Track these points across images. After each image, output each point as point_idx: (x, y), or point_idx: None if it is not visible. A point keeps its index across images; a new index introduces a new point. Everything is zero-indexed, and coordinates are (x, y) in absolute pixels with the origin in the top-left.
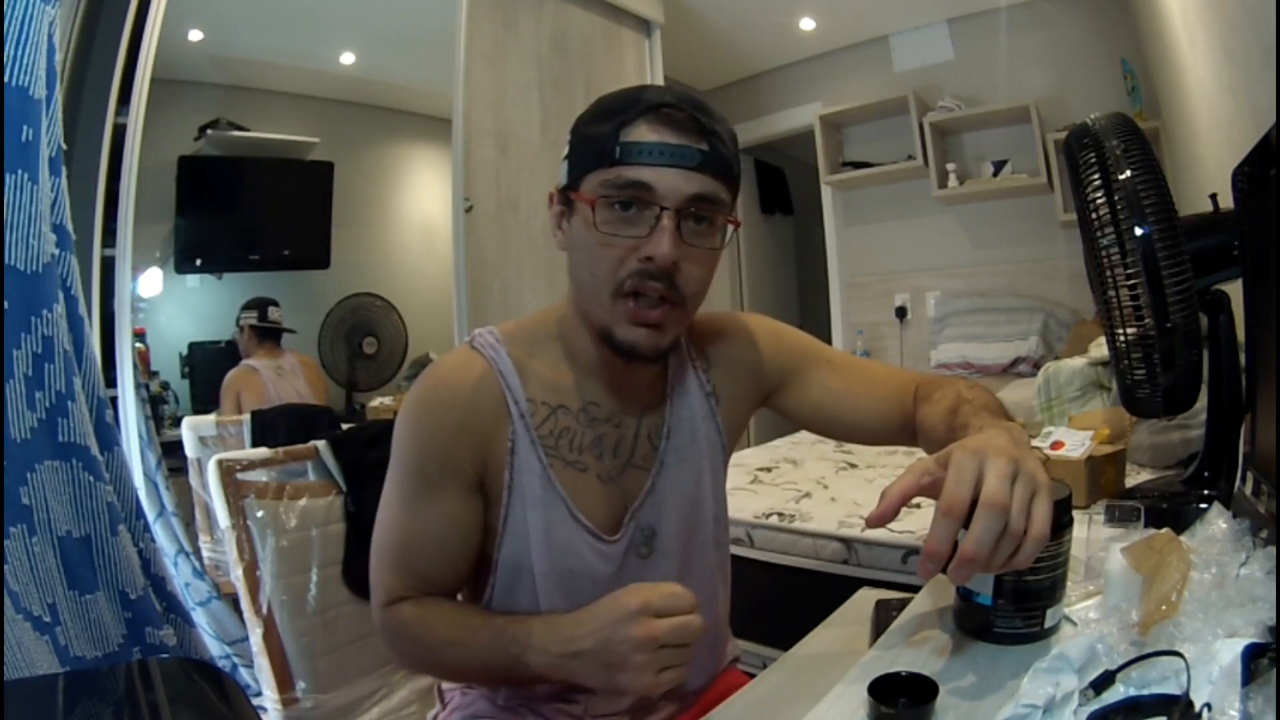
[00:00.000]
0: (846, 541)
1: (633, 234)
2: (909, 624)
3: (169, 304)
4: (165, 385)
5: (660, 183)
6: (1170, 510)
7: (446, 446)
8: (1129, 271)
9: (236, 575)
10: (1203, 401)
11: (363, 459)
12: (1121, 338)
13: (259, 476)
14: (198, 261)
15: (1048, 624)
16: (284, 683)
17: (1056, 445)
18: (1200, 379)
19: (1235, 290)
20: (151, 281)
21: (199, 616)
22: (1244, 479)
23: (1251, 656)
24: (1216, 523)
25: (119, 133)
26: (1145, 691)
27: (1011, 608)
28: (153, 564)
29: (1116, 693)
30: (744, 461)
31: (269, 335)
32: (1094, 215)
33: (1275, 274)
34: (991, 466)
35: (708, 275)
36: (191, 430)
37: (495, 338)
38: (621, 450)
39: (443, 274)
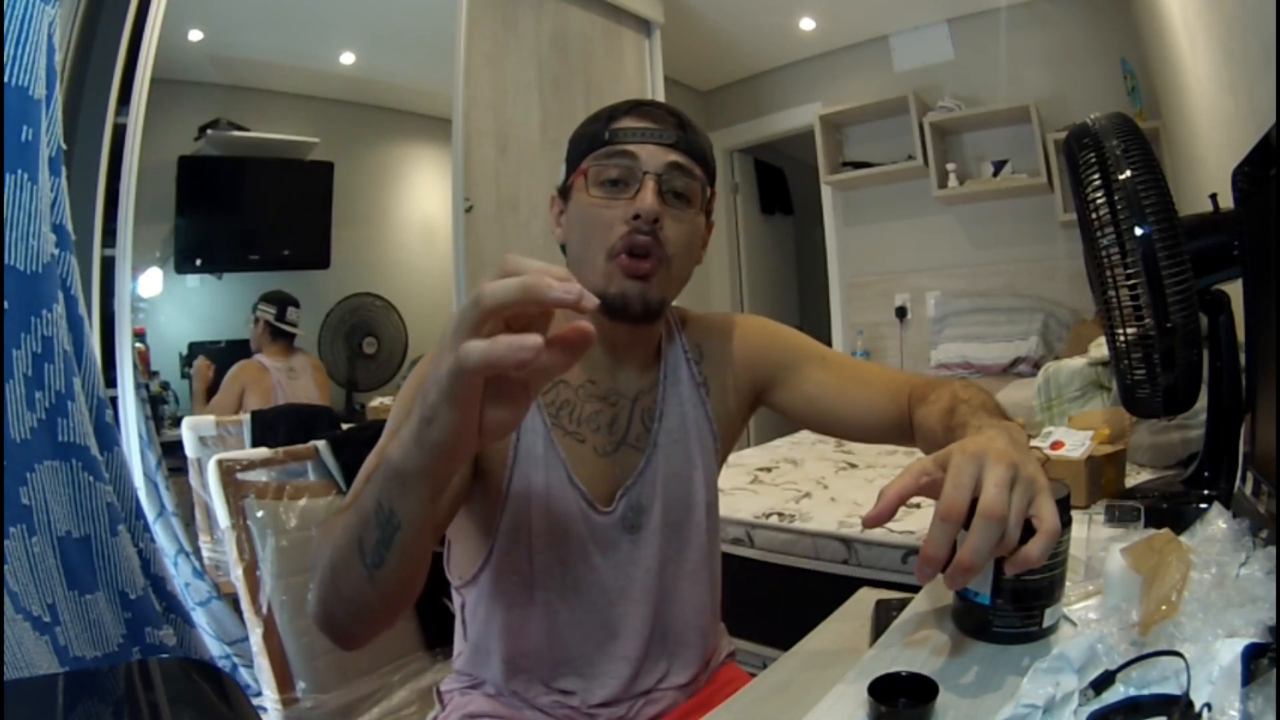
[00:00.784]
0: (846, 541)
1: (621, 196)
2: (909, 624)
3: (169, 304)
4: (165, 385)
5: (643, 153)
6: (1170, 510)
7: None
8: (1129, 271)
9: (236, 575)
10: (1203, 401)
11: (362, 459)
12: (1121, 338)
13: (259, 476)
14: (198, 261)
15: (1046, 623)
16: (284, 683)
17: (1056, 445)
18: (1200, 379)
19: (1235, 290)
20: (151, 281)
21: (199, 616)
22: (1244, 479)
23: (1251, 656)
24: (1216, 523)
25: (119, 133)
26: (1145, 691)
27: (1010, 607)
28: (153, 564)
29: (1116, 693)
30: (744, 461)
31: (282, 335)
32: (1094, 215)
33: (1275, 274)
34: (990, 473)
35: (689, 238)
36: (191, 430)
37: None
38: (617, 427)
39: (443, 274)
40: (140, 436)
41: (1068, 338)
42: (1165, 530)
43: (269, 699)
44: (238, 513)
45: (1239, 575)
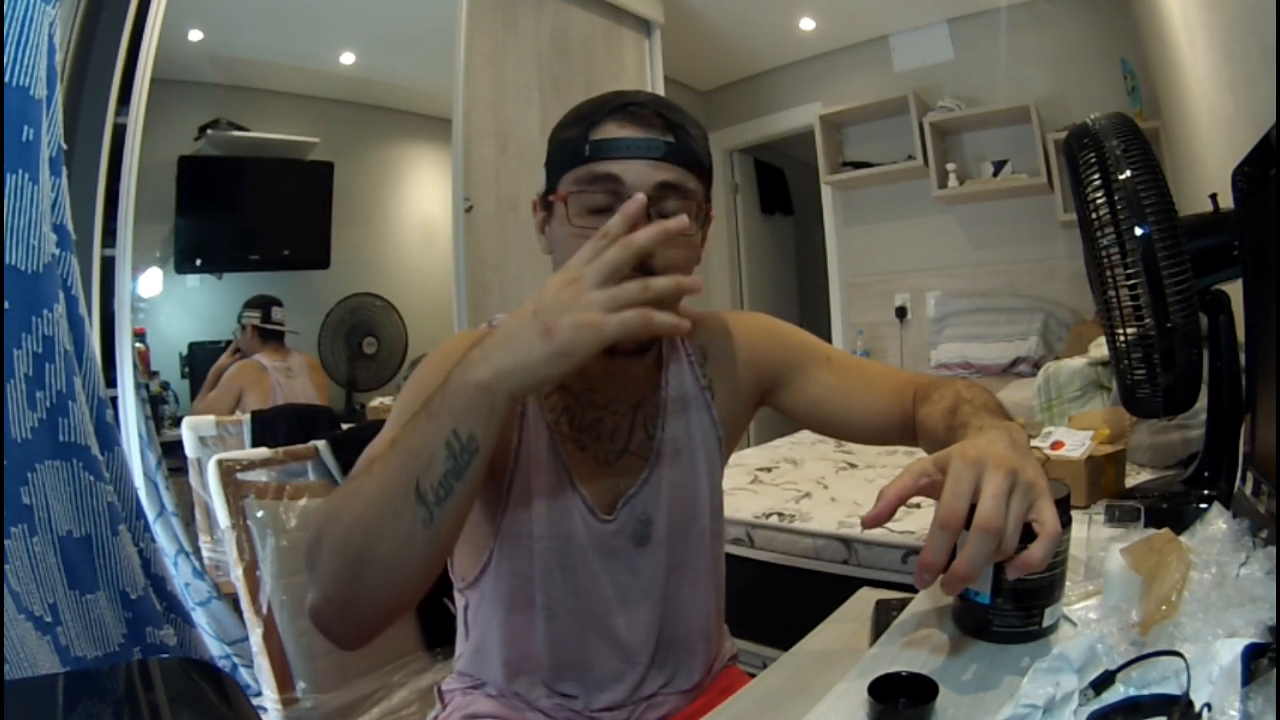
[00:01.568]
0: (846, 541)
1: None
2: (909, 624)
3: (169, 304)
4: (165, 385)
5: (628, 174)
6: (1170, 510)
7: None
8: (1129, 271)
9: (236, 575)
10: (1203, 401)
11: None
12: (1121, 338)
13: (259, 476)
14: (198, 261)
15: (1046, 623)
16: (284, 683)
17: (1056, 445)
18: (1200, 379)
19: (1235, 290)
20: (151, 281)
21: (199, 616)
22: (1244, 479)
23: (1251, 656)
24: (1216, 523)
25: (119, 133)
26: (1145, 691)
27: (1010, 607)
28: (153, 564)
29: (1116, 693)
30: (744, 461)
31: (273, 335)
32: (1094, 215)
33: (1275, 274)
34: (989, 481)
35: (684, 258)
36: (191, 430)
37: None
38: (618, 436)
39: (443, 274)
40: (140, 436)
41: (1068, 338)
42: (1165, 530)
43: (269, 699)
44: (238, 513)
45: (1239, 575)
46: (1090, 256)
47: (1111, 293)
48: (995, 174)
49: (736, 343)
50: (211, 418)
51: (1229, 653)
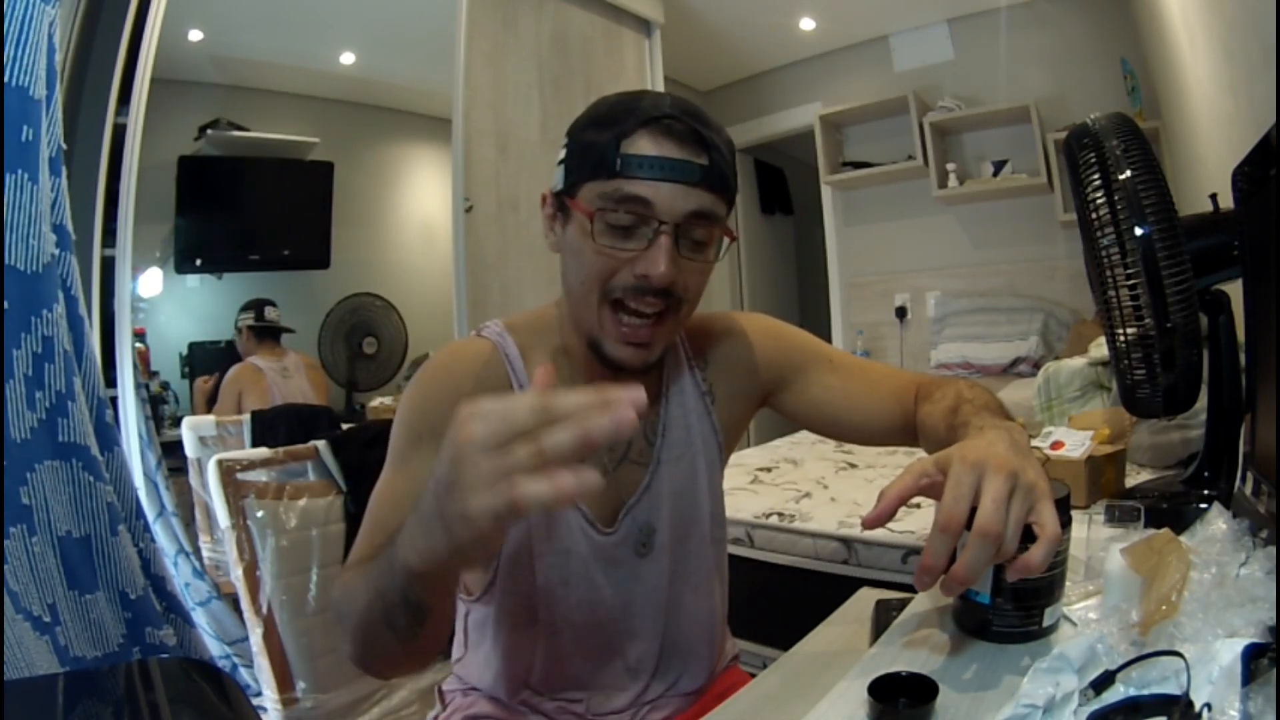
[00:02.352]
0: (846, 541)
1: (629, 248)
2: (909, 624)
3: (169, 304)
4: (165, 385)
5: (659, 198)
6: (1170, 510)
7: (442, 410)
8: (1129, 271)
9: (236, 575)
10: (1203, 401)
11: (363, 459)
12: (1121, 338)
13: (259, 476)
14: (198, 261)
15: (1046, 622)
16: (284, 683)
17: (1056, 445)
18: (1200, 379)
19: (1235, 290)
20: (151, 281)
21: (199, 616)
22: (1244, 479)
23: (1251, 656)
24: (1216, 523)
25: (119, 133)
26: (1145, 691)
27: (1010, 606)
28: (153, 564)
29: (1116, 693)
30: (744, 461)
31: (268, 335)
32: (1094, 215)
33: (1275, 274)
34: (989, 485)
35: (702, 283)
36: (191, 430)
37: (500, 327)
38: (618, 445)
39: (443, 274)
40: (140, 436)
41: (1068, 338)
42: (1165, 530)
43: (269, 699)
44: (238, 513)
45: (1239, 575)
46: (1090, 256)
47: (1111, 293)
48: (995, 174)
49: (737, 346)
50: (211, 418)
51: (1229, 653)
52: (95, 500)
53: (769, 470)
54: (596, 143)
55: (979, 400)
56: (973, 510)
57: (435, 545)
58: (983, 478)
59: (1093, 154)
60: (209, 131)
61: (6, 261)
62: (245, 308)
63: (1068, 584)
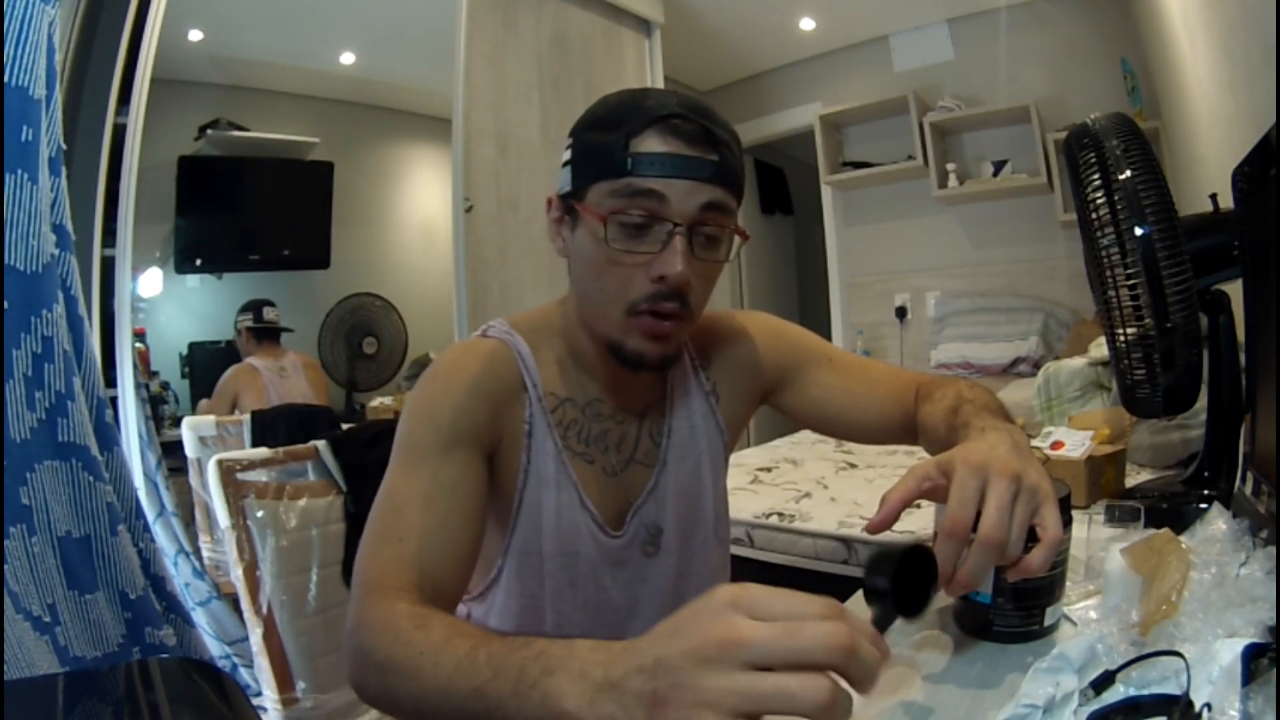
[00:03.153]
0: (846, 541)
1: (644, 250)
2: (909, 624)
3: (169, 304)
4: (165, 385)
5: (671, 193)
6: (1170, 510)
7: (462, 404)
8: (1129, 271)
9: (236, 575)
10: (1203, 401)
11: (363, 459)
12: (1121, 338)
13: (259, 476)
14: (198, 261)
15: (1047, 622)
16: (284, 683)
17: (1056, 445)
18: (1200, 379)
19: (1235, 290)
20: (151, 281)
21: (199, 616)
22: (1244, 479)
23: (1251, 656)
24: (1216, 523)
25: (119, 133)
26: (1145, 691)
27: (1010, 606)
28: (153, 564)
29: (1116, 693)
30: (744, 461)
31: (267, 335)
32: (1094, 215)
33: (1275, 274)
34: (993, 490)
35: (714, 281)
36: (191, 430)
37: (507, 325)
38: (625, 446)
39: (443, 274)
40: (140, 436)
41: (1068, 338)
42: (1165, 530)
43: (269, 699)
44: (238, 513)
45: (1239, 575)
46: (1090, 256)
47: (1111, 293)
48: (995, 174)
49: (740, 345)
50: (211, 418)
51: (1229, 653)
52: (95, 500)
53: (769, 470)
54: (604, 142)
55: (979, 400)
56: (978, 514)
57: (616, 712)
58: (987, 482)
59: (1093, 154)
60: (209, 131)
61: (6, 261)
62: (244, 309)
63: (1068, 584)
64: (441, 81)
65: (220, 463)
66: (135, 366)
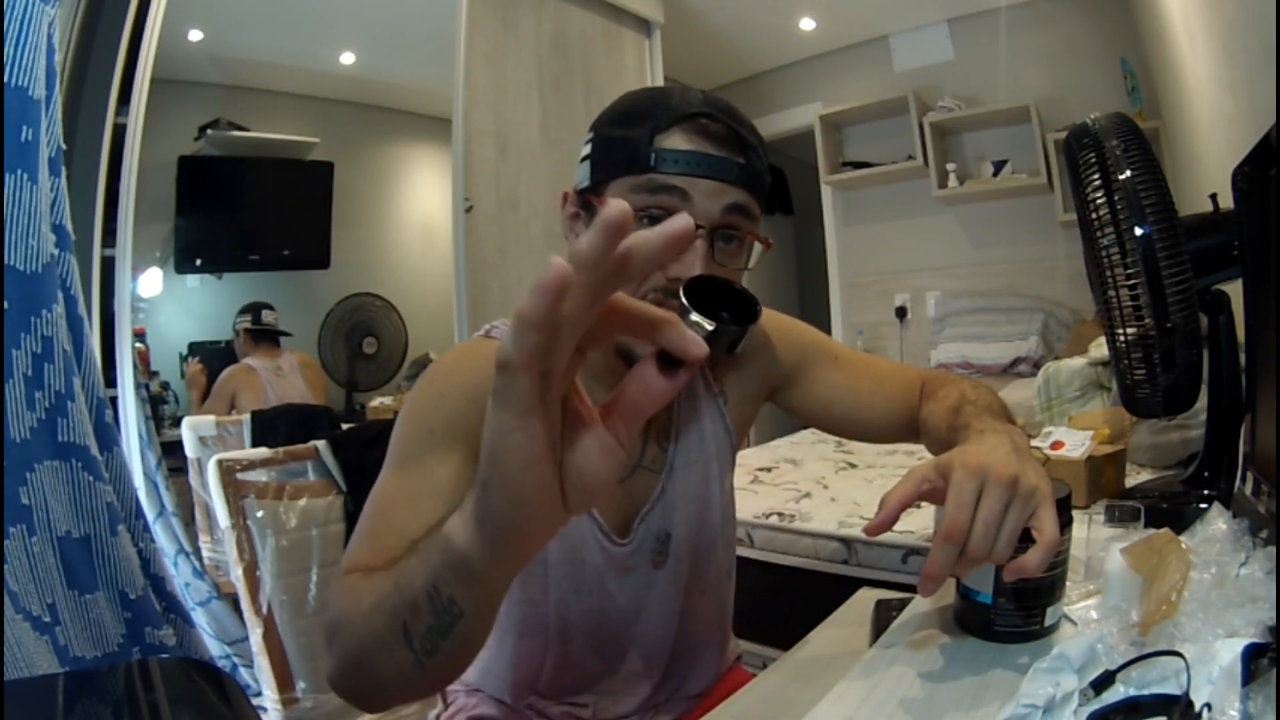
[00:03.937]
0: (846, 541)
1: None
2: (909, 624)
3: (169, 304)
4: (165, 385)
5: (695, 191)
6: (1170, 510)
7: (459, 408)
8: (1129, 271)
9: (236, 575)
10: (1203, 401)
11: (363, 459)
12: (1121, 338)
13: (259, 476)
14: (198, 261)
15: (1048, 622)
16: (284, 683)
17: (1056, 445)
18: (1200, 379)
19: (1235, 290)
20: (151, 281)
21: (199, 616)
22: (1244, 479)
23: (1251, 656)
24: (1216, 523)
25: (119, 133)
26: (1145, 691)
27: (1011, 606)
28: (153, 564)
29: (1116, 693)
30: (744, 461)
31: (266, 336)
32: (1094, 215)
33: (1275, 274)
34: (988, 496)
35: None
36: (191, 430)
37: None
38: (631, 451)
39: (443, 274)
40: (140, 436)
41: (1068, 338)
42: (1165, 530)
43: (269, 699)
44: (238, 513)
45: (1239, 575)
46: (1090, 256)
47: (1111, 293)
48: (995, 174)
49: (747, 345)
50: (212, 418)
51: (1229, 653)
52: (95, 500)
53: (769, 470)
54: (627, 137)
55: (981, 401)
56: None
57: (474, 499)
58: (984, 486)
59: (1093, 154)
60: (209, 131)
61: (6, 261)
62: (243, 311)
63: (1068, 584)
64: (441, 81)
65: (220, 463)
66: (135, 366)
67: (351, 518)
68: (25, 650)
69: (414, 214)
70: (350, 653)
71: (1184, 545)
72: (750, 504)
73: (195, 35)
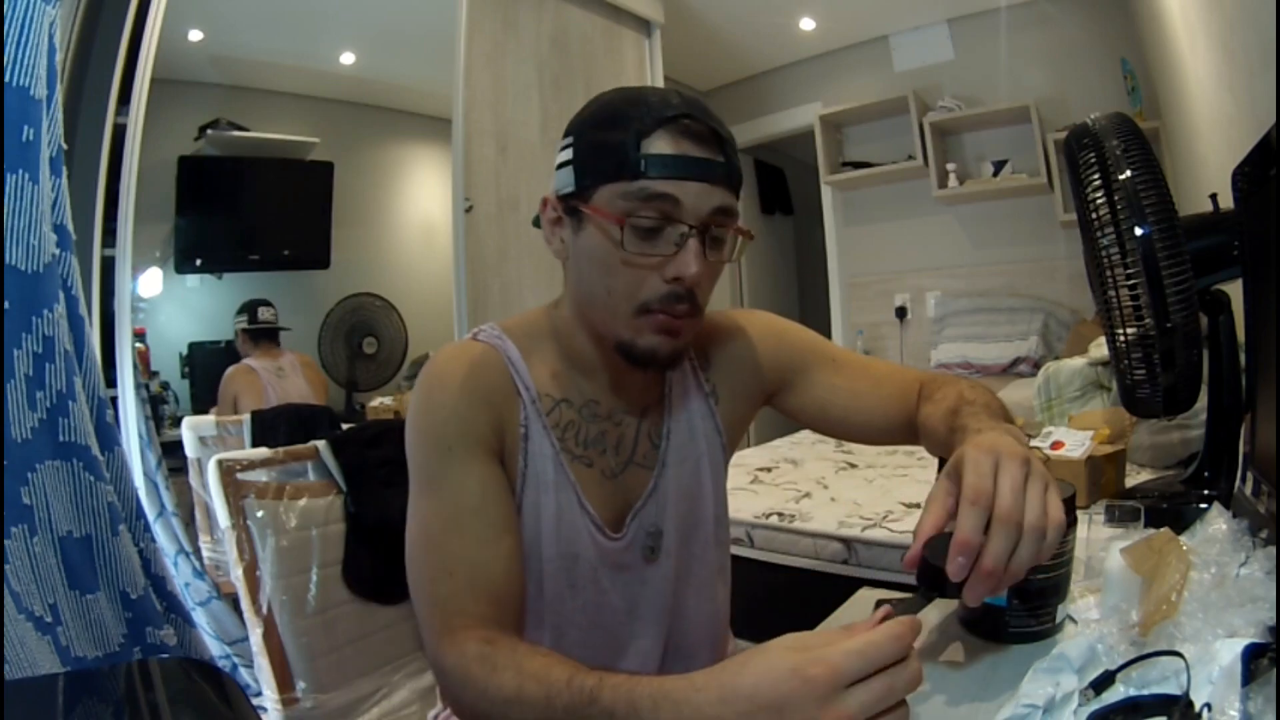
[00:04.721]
0: (846, 541)
1: (657, 253)
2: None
3: (169, 304)
4: (165, 385)
5: (685, 196)
6: (1170, 510)
7: (462, 412)
8: (1129, 271)
9: (236, 575)
10: (1203, 401)
11: (363, 459)
12: (1121, 338)
13: (259, 476)
14: (198, 261)
15: (1057, 619)
16: (284, 683)
17: (1056, 445)
18: (1200, 379)
19: (1235, 290)
20: (151, 281)
21: (199, 616)
22: (1244, 479)
23: (1251, 656)
24: (1216, 523)
25: (119, 133)
26: (1145, 691)
27: (1025, 608)
28: (153, 564)
29: (1116, 693)
30: (744, 461)
31: (265, 335)
32: (1094, 215)
33: (1275, 274)
34: (1005, 470)
35: (718, 277)
36: (191, 430)
37: (498, 330)
38: (623, 448)
39: (443, 274)
40: (140, 436)
41: (1068, 338)
42: (1165, 530)
43: (269, 699)
44: (238, 513)
45: (1239, 575)
46: (1090, 256)
47: (1111, 293)
48: (995, 174)
49: (740, 345)
50: (211, 418)
51: (1229, 653)
52: (96, 500)
53: (769, 470)
54: (611, 142)
55: (980, 401)
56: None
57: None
58: (999, 462)
59: (1093, 154)
60: (209, 131)
61: (7, 261)
62: (240, 311)
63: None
64: (441, 81)
65: (220, 463)
66: (135, 366)
67: (352, 518)
68: (28, 650)
69: (414, 214)
70: (478, 713)
71: (1184, 545)
72: (750, 504)
73: (195, 35)
